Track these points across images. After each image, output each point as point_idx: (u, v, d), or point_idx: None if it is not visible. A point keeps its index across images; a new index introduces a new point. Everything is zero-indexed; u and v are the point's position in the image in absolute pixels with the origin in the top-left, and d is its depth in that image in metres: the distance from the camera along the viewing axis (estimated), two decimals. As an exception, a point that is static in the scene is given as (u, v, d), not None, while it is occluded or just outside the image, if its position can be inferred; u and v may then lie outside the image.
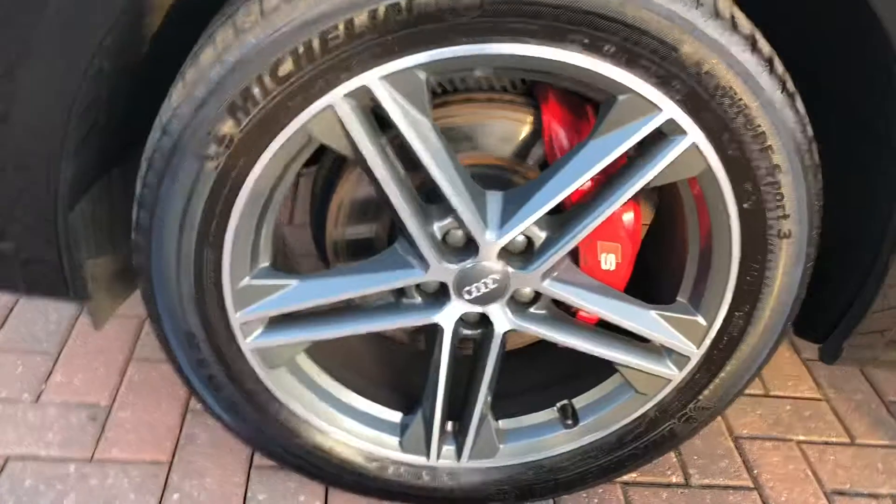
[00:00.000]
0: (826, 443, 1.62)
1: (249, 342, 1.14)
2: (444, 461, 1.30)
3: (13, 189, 1.03)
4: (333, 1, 0.88)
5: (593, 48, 0.92)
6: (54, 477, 1.32)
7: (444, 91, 1.15)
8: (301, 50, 0.90)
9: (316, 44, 0.90)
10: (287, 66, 0.91)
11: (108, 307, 1.27)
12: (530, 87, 1.16)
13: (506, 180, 1.17)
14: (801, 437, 1.62)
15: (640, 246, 1.21)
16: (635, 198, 1.19)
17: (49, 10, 0.90)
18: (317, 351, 1.25)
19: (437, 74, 0.97)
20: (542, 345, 1.27)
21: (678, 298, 1.19)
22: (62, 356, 1.55)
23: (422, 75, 0.95)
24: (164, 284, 1.08)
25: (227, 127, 0.95)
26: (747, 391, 1.64)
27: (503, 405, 1.32)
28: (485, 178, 1.15)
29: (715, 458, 1.53)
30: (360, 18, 0.89)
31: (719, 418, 1.62)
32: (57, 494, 1.29)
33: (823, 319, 1.28)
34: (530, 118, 1.14)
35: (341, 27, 0.89)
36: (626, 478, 1.46)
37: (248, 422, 1.22)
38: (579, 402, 1.31)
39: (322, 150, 1.18)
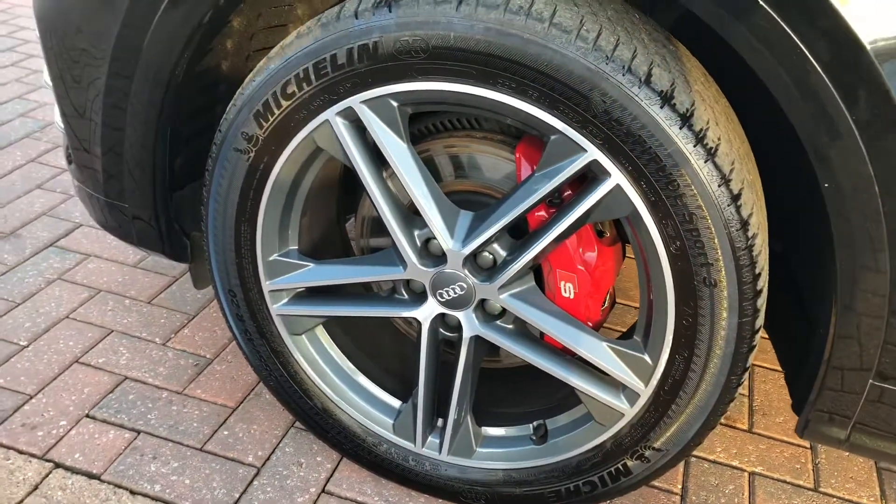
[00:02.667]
0: (858, 548, 1.52)
1: (276, 308, 1.43)
2: (429, 451, 1.47)
3: (127, 166, 1.43)
4: (320, 41, 1.17)
5: (520, 91, 1.10)
6: (149, 398, 1.70)
7: (453, 127, 1.38)
8: (301, 75, 1.20)
9: (311, 71, 1.19)
10: (292, 87, 1.21)
11: (209, 273, 1.64)
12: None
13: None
14: (832, 536, 1.54)
15: (608, 283, 1.33)
16: (609, 240, 1.33)
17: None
18: (338, 332, 1.51)
19: (409, 105, 1.20)
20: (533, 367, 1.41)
21: (634, 336, 1.28)
22: (196, 317, 1.96)
23: (394, 103, 1.19)
24: (216, 248, 1.41)
25: (254, 129, 1.27)
26: (792, 480, 1.62)
27: (491, 414, 1.48)
28: (474, 202, 1.35)
29: (718, 528, 1.53)
30: (341, 54, 1.16)
31: (745, 495, 1.60)
32: (146, 409, 1.67)
33: (799, 392, 1.28)
34: (512, 155, 1.32)
35: (328, 59, 1.17)
36: (614, 519, 1.52)
37: (273, 376, 1.50)
38: (553, 423, 1.42)
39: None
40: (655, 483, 1.61)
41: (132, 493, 1.48)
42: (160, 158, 1.41)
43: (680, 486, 1.61)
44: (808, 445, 1.75)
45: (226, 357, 1.84)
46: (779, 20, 0.97)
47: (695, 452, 1.69)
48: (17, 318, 1.90)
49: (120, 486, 1.49)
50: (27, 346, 1.82)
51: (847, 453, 1.73)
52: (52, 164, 2.60)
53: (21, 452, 1.55)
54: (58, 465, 1.53)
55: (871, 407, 1.19)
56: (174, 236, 1.53)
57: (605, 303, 1.36)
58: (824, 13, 0.94)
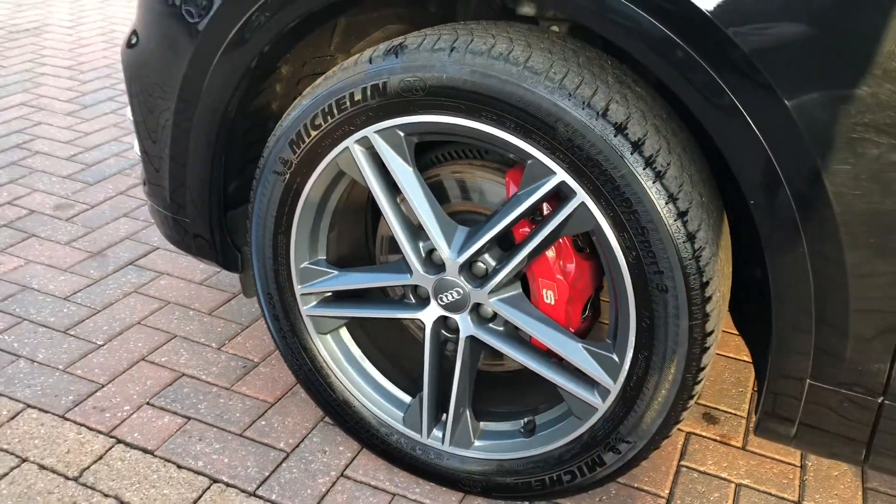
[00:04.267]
0: (832, 555, 1.62)
1: (306, 309, 1.67)
2: (433, 442, 1.67)
3: (190, 192, 1.71)
4: (338, 83, 1.42)
5: (500, 122, 1.32)
6: (201, 391, 1.96)
7: (458, 156, 1.61)
8: (326, 109, 1.45)
9: (334, 106, 1.44)
10: (319, 119, 1.46)
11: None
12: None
13: (487, 224, 1.56)
14: (808, 543, 1.64)
15: (587, 293, 1.51)
16: (588, 254, 1.52)
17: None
18: (359, 332, 1.73)
19: (413, 134, 1.43)
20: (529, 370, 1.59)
21: (607, 339, 1.45)
22: (249, 328, 2.22)
23: (400, 133, 1.42)
24: (257, 257, 1.66)
25: (288, 155, 1.52)
26: (777, 493, 1.75)
27: (490, 412, 1.67)
28: (476, 221, 1.56)
29: (698, 528, 1.65)
30: (357, 92, 1.41)
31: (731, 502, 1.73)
32: (197, 400, 1.92)
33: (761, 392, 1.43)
34: (503, 179, 1.53)
35: (347, 97, 1.42)
36: (601, 515, 1.67)
37: (303, 370, 1.73)
38: (540, 418, 1.60)
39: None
40: (643, 486, 1.75)
41: (178, 466, 1.73)
42: (216, 184, 1.68)
43: (667, 492, 1.75)
44: (799, 463, 1.86)
45: (270, 361, 2.08)
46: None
47: (686, 463, 1.82)
48: (96, 322, 2.20)
49: (169, 461, 1.74)
50: (103, 346, 2.11)
51: (835, 472, 1.83)
52: (138, 197, 2.94)
53: (91, 429, 1.82)
54: (119, 441, 1.79)
55: (813, 407, 1.33)
56: (227, 249, 1.79)
57: (586, 311, 1.54)
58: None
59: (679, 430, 1.92)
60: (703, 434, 1.92)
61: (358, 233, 1.79)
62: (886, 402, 1.26)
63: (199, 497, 1.65)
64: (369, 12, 1.75)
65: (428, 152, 1.65)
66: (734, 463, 1.84)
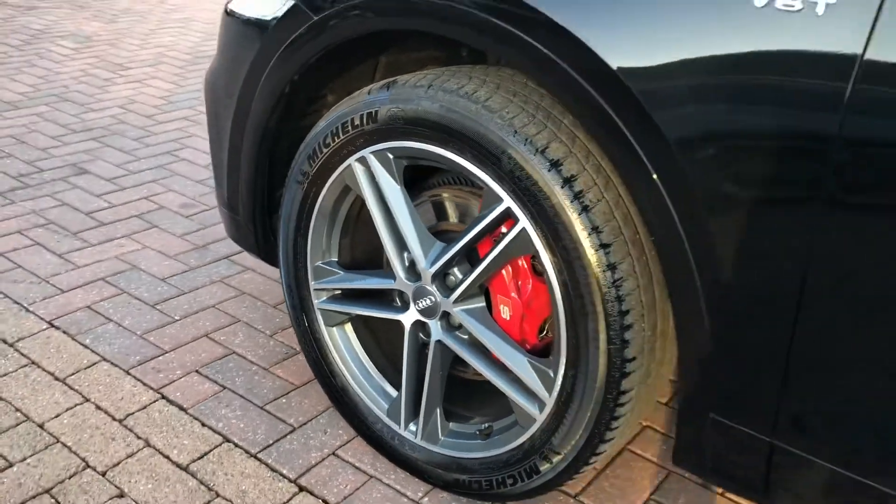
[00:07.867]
0: None
1: (317, 303, 1.93)
2: (408, 434, 1.86)
3: (241, 194, 2.02)
4: (344, 109, 1.68)
5: (461, 151, 1.52)
6: (242, 368, 2.26)
7: (452, 182, 1.81)
8: (335, 131, 1.71)
9: (340, 129, 1.70)
10: (329, 139, 1.73)
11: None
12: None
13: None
14: (749, 589, 1.67)
15: (543, 314, 1.66)
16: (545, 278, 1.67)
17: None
18: (362, 328, 1.96)
19: (401, 158, 1.66)
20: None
21: (551, 355, 1.59)
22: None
23: (390, 155, 1.66)
24: (283, 254, 1.94)
25: (307, 168, 1.79)
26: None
27: (460, 413, 1.84)
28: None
29: (642, 555, 1.73)
30: (356, 118, 1.66)
31: (682, 538, 1.79)
32: (236, 374, 2.23)
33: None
34: (484, 205, 1.72)
35: (349, 121, 1.67)
36: (552, 526, 1.79)
37: (312, 355, 1.98)
38: (498, 424, 1.75)
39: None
40: (603, 510, 1.85)
41: (202, 424, 2.03)
42: (260, 189, 2.00)
43: (626, 519, 1.83)
44: (773, 518, 1.87)
45: (309, 353, 2.36)
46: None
47: (657, 497, 1.89)
48: (179, 301, 2.58)
49: (196, 419, 2.05)
50: (178, 320, 2.48)
51: (808, 533, 1.83)
52: (250, 204, 3.35)
53: (144, 384, 2.17)
54: (163, 397, 2.12)
55: (717, 441, 1.40)
56: (269, 246, 2.10)
57: (543, 331, 1.69)
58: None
59: (661, 467, 1.99)
60: (684, 474, 1.97)
61: (373, 241, 2.03)
62: (776, 441, 1.33)
63: (210, 451, 1.94)
64: (408, 53, 2.01)
65: (435, 175, 1.86)
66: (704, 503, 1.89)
